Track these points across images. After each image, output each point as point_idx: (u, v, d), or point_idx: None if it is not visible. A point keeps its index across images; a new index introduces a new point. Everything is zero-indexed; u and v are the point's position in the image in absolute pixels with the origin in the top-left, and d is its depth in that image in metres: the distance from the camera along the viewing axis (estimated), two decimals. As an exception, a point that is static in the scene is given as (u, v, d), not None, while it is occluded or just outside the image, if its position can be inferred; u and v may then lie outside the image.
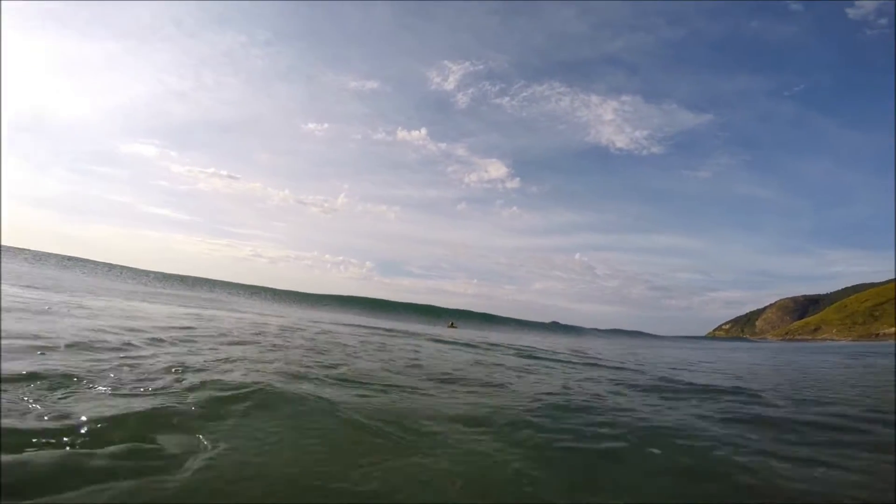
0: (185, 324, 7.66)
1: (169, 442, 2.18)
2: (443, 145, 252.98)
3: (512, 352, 9.77)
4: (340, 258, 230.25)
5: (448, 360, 7.08)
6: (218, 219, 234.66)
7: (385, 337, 10.32)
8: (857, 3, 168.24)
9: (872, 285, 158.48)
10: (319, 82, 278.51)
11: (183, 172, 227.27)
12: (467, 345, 10.59)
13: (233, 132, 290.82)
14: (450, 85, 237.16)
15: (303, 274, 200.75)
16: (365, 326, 13.96)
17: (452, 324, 40.35)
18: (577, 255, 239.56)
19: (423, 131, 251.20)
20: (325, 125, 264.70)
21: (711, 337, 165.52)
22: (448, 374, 5.25)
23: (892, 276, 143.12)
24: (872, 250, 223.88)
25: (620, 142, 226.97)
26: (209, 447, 2.18)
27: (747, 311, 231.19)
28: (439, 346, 9.76)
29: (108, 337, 4.93)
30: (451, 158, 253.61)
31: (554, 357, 9.05)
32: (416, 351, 7.81)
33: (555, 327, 74.59)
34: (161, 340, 5.24)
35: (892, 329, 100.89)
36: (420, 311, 57.43)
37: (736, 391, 5.35)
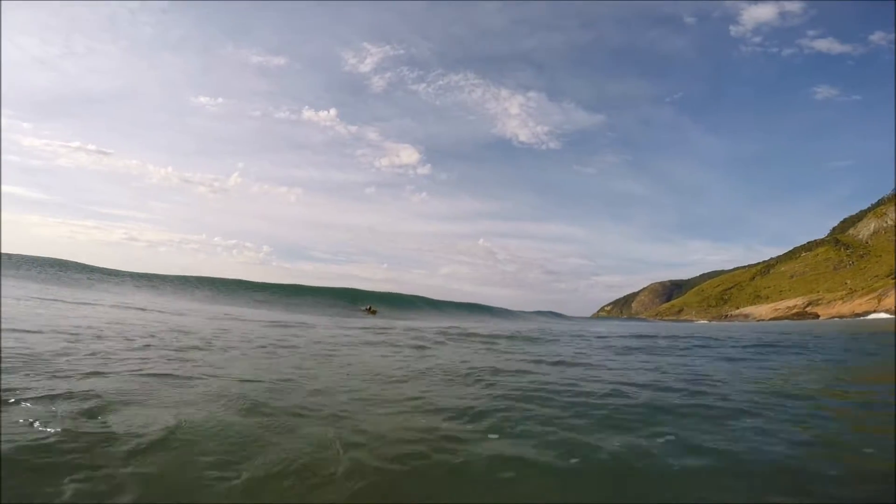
0: None
1: None
2: (353, 128, 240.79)
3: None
4: (233, 242, 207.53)
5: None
6: (83, 198, 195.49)
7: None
8: (740, 20, 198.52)
9: (723, 272, 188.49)
10: (216, 55, 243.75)
11: (38, 146, 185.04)
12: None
13: (106, 104, 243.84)
14: (366, 67, 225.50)
15: (187, 259, 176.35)
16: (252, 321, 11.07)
17: (371, 308, 35.22)
18: (481, 241, 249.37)
19: (333, 112, 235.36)
20: (220, 100, 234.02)
21: (599, 317, 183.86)
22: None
23: (738, 265, 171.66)
24: (721, 241, 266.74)
25: (523, 136, 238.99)
26: None
27: (625, 293, 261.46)
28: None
29: None
30: (361, 141, 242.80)
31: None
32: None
33: (475, 308, 74.79)
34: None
35: (738, 310, 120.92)
36: (331, 294, 53.03)
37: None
